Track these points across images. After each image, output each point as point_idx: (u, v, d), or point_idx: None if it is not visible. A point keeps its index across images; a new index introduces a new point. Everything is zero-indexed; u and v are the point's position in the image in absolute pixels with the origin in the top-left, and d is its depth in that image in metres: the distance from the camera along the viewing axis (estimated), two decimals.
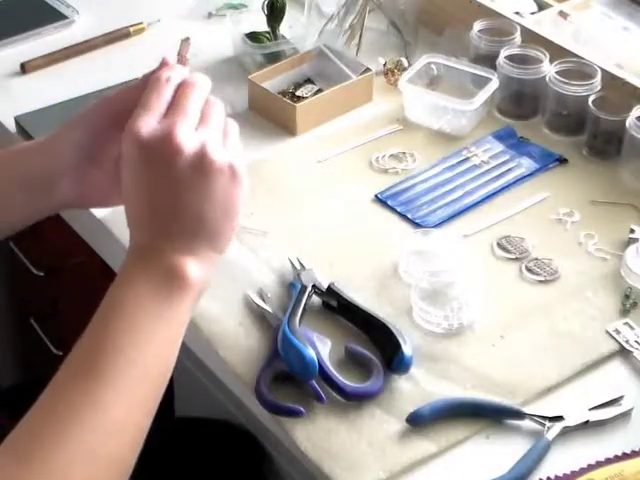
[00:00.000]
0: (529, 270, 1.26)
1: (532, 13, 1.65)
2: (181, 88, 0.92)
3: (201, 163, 0.89)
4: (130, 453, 0.84)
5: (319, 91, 1.54)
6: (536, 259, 1.27)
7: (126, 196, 0.91)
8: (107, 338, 0.84)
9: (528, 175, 1.41)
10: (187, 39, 0.99)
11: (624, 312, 1.20)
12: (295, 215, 1.35)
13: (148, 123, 0.89)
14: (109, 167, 1.01)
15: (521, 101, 1.51)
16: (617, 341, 1.17)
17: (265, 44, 1.60)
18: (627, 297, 1.22)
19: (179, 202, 0.89)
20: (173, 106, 0.90)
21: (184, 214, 0.89)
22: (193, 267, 0.88)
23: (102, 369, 0.83)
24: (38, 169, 1.02)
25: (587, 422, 1.07)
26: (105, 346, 0.84)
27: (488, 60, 1.53)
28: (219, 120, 0.93)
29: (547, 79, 1.46)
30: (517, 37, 1.53)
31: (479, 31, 1.55)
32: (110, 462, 0.82)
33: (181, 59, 0.97)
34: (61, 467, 0.79)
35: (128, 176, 0.90)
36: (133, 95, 0.96)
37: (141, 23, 1.72)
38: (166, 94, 0.91)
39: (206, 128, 0.90)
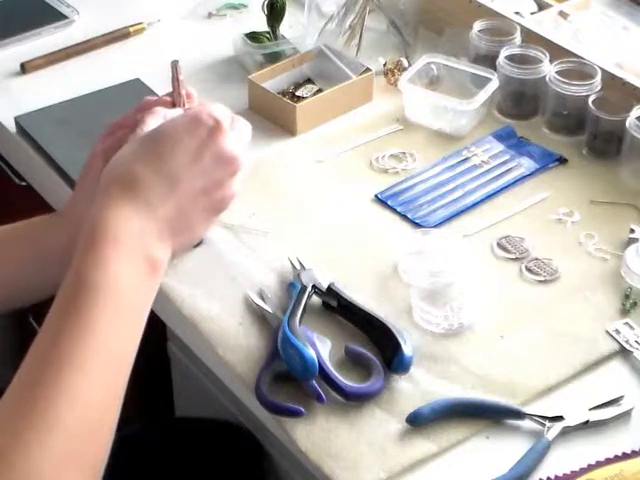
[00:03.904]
0: (529, 270, 1.26)
1: (532, 13, 1.66)
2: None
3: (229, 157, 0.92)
4: (103, 450, 0.83)
5: (319, 91, 1.54)
6: (536, 259, 1.27)
7: (132, 157, 0.92)
8: (79, 324, 0.83)
9: (528, 175, 1.41)
10: (176, 61, 0.99)
11: (624, 312, 1.20)
12: (295, 215, 1.35)
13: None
14: None
15: (521, 101, 1.51)
16: (617, 341, 1.17)
17: (265, 44, 1.60)
18: (627, 297, 1.22)
19: (187, 179, 0.91)
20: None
21: (185, 192, 0.91)
22: (165, 253, 0.90)
23: (76, 358, 0.82)
24: (70, 239, 1.02)
25: (587, 422, 1.07)
26: (77, 333, 0.83)
27: (488, 60, 1.53)
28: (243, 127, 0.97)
29: (547, 79, 1.46)
30: (517, 37, 1.53)
31: (479, 31, 1.55)
32: (87, 461, 0.81)
33: (178, 84, 0.99)
34: (47, 468, 0.78)
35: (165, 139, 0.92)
36: (122, 142, 0.98)
37: (141, 23, 1.72)
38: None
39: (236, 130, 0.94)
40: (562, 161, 1.43)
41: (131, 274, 0.87)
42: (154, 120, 0.96)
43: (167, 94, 1.02)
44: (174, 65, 0.99)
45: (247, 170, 0.95)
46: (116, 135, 1.02)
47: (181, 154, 0.91)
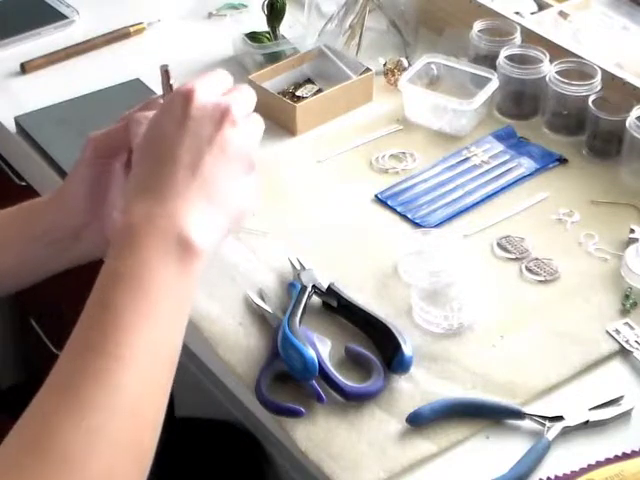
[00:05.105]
0: (529, 270, 1.26)
1: (532, 13, 1.66)
2: None
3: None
4: (149, 432, 0.83)
5: (319, 91, 1.54)
6: (536, 259, 1.27)
7: (146, 152, 0.90)
8: (117, 313, 0.82)
9: (528, 175, 1.41)
10: (166, 66, 0.96)
11: (624, 312, 1.20)
12: (295, 215, 1.35)
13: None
14: (115, 196, 1.03)
15: (521, 101, 1.51)
16: (617, 341, 1.17)
17: (265, 44, 1.60)
18: (627, 297, 1.22)
19: (204, 161, 0.88)
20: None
21: (207, 174, 0.88)
22: (203, 229, 0.86)
23: (113, 347, 0.81)
24: (56, 224, 1.03)
25: (587, 422, 1.07)
26: (115, 322, 0.82)
27: (488, 60, 1.53)
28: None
29: (547, 79, 1.46)
30: (517, 37, 1.53)
31: (479, 31, 1.55)
32: (131, 449, 0.80)
33: (170, 89, 0.96)
34: (78, 455, 0.77)
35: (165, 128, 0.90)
36: (118, 133, 0.97)
37: (141, 23, 1.72)
38: None
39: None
40: (562, 161, 1.43)
41: (162, 259, 0.84)
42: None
43: (159, 96, 1.01)
44: (163, 70, 0.95)
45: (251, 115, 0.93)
46: (109, 132, 1.02)
47: (165, 134, 0.88)
